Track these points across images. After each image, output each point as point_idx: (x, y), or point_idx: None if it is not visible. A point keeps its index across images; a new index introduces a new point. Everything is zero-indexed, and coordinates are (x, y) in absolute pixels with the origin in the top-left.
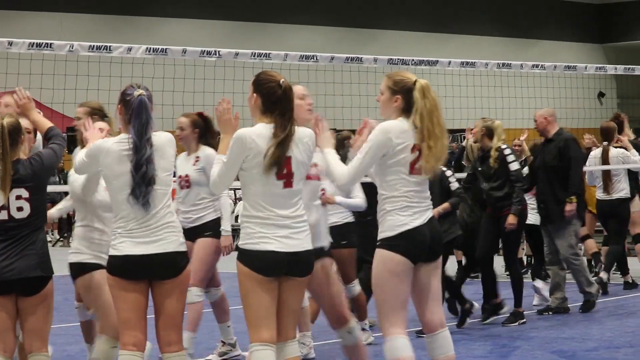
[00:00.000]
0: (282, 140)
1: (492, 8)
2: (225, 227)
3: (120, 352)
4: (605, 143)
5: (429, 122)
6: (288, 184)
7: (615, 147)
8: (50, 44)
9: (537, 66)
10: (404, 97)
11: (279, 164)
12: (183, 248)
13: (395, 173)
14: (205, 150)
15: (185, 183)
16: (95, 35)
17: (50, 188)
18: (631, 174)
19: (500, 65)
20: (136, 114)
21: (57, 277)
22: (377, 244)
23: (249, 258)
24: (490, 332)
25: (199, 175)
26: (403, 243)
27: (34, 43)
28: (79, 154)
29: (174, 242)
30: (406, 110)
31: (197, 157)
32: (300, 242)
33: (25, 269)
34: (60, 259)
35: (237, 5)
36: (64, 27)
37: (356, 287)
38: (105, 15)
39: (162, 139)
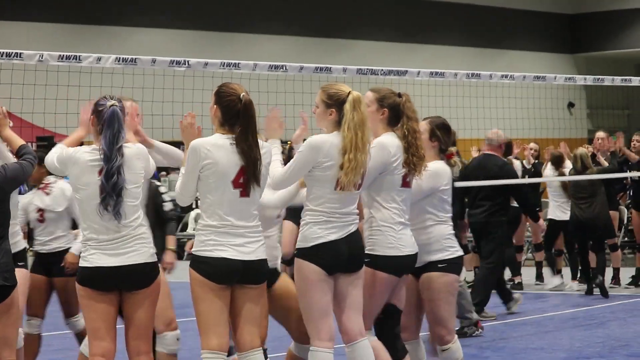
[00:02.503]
0: (246, 152)
1: (462, 18)
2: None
3: None
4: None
5: (354, 135)
6: (244, 193)
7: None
8: (20, 53)
9: (506, 76)
10: (338, 110)
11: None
12: (153, 259)
13: (320, 188)
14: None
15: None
16: (65, 45)
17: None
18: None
19: (470, 75)
20: (108, 124)
21: None
22: (295, 253)
23: (201, 265)
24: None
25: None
26: (316, 254)
27: (3, 52)
28: (53, 153)
29: (145, 254)
30: (340, 123)
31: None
32: (254, 250)
33: None
34: None
35: (206, 15)
36: (33, 37)
37: None
38: (75, 25)
39: (130, 152)
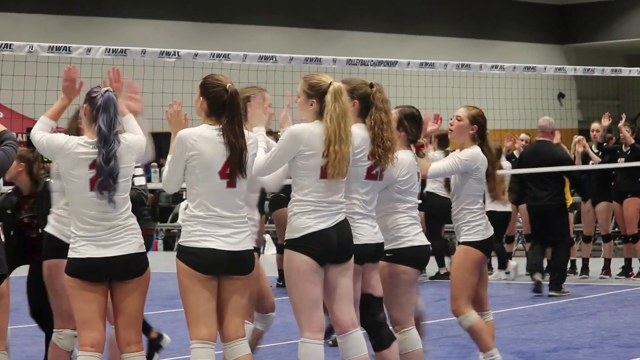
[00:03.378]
0: (232, 143)
1: (452, 9)
2: None
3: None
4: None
5: (337, 126)
6: (231, 184)
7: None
8: (10, 44)
9: (496, 67)
10: (319, 101)
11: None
12: (143, 249)
13: (305, 177)
14: None
15: None
16: (54, 35)
17: None
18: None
19: (460, 66)
20: (104, 108)
21: (17, 278)
22: (284, 244)
23: (188, 255)
24: (449, 332)
25: None
26: (306, 244)
27: None
28: (40, 131)
29: (135, 244)
30: (321, 113)
31: None
32: (240, 241)
33: None
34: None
35: (196, 5)
36: (23, 28)
37: None
38: (64, 15)
39: (123, 145)
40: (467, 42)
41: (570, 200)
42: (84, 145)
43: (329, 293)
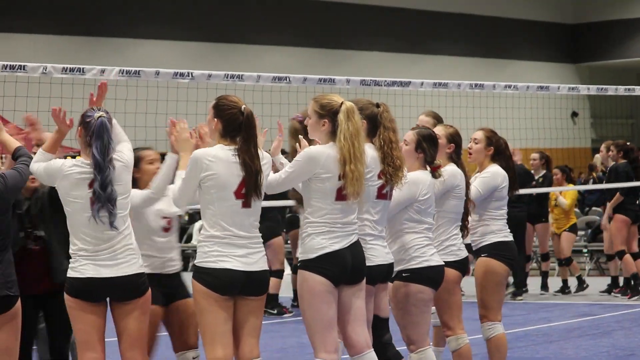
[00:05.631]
0: (248, 164)
1: (465, 29)
2: None
3: None
4: None
5: (351, 145)
6: (246, 204)
7: None
8: (24, 66)
9: (509, 86)
10: (331, 121)
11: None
12: (142, 270)
13: (321, 200)
14: None
15: None
16: (68, 57)
17: None
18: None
19: (473, 85)
20: (97, 136)
21: None
22: (298, 265)
23: (205, 276)
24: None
25: None
26: (321, 265)
27: (7, 65)
28: (38, 161)
29: (135, 265)
30: (334, 133)
31: None
32: (256, 261)
33: None
34: None
35: (209, 26)
36: (37, 49)
37: None
38: (78, 36)
39: (119, 165)
40: (480, 61)
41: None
42: (80, 166)
43: (343, 314)
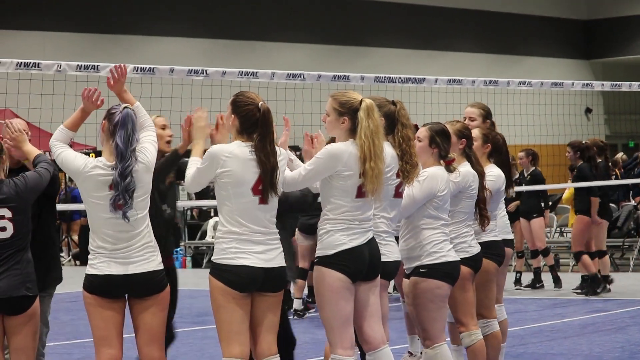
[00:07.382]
0: (263, 161)
1: (479, 25)
2: None
3: None
4: None
5: (371, 143)
6: (263, 200)
7: None
8: (38, 63)
9: (524, 83)
10: (351, 118)
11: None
12: (161, 267)
13: (341, 197)
14: None
15: None
16: (83, 54)
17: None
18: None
19: (487, 82)
20: (122, 124)
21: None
22: (316, 261)
23: (223, 273)
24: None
25: None
26: (341, 261)
27: (21, 63)
28: (61, 147)
29: (154, 262)
30: (354, 130)
31: None
32: (274, 258)
33: (9, 289)
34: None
35: (224, 23)
36: (51, 47)
37: None
38: (92, 34)
39: (141, 166)
40: (494, 57)
41: None
42: (102, 167)
43: (360, 310)
